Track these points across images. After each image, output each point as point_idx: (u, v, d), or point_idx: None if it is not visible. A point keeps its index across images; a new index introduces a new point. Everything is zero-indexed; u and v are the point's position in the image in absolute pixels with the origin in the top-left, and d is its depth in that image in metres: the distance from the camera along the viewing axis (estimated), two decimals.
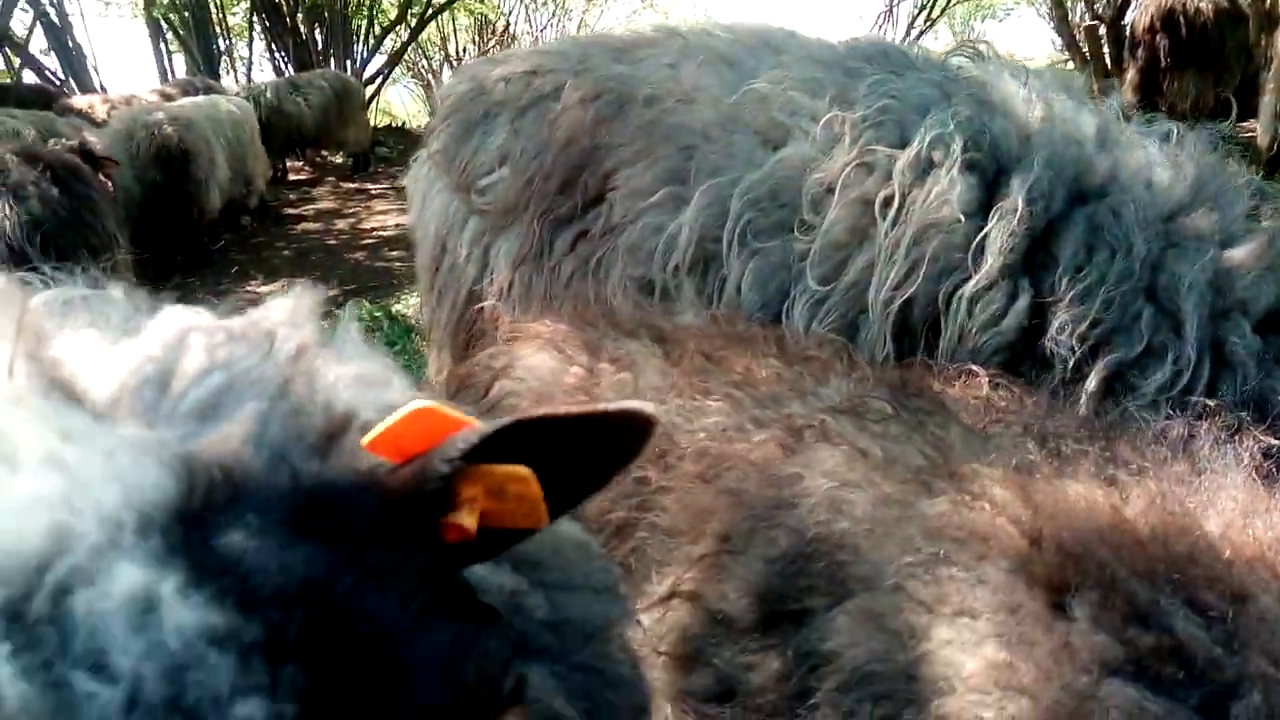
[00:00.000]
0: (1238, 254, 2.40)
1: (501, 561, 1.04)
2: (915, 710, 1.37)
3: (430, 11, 19.93)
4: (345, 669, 0.65)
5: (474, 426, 0.82)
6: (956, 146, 2.51)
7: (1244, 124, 10.01)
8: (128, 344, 0.95)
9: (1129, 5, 12.43)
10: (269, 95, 14.49)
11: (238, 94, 14.31)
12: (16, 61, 17.20)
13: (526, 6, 24.78)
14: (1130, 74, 11.14)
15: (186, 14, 18.98)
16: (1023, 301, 2.37)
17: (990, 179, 2.55)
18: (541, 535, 1.09)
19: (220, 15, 20.14)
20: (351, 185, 15.10)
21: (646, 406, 0.87)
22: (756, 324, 2.39)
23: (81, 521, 0.64)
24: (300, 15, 19.03)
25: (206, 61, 18.93)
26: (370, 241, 11.26)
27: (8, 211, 5.70)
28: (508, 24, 24.78)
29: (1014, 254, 2.40)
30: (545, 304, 3.23)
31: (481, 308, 3.63)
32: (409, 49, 21.46)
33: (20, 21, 17.50)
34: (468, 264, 3.78)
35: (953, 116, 2.55)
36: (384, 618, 0.68)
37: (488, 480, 0.81)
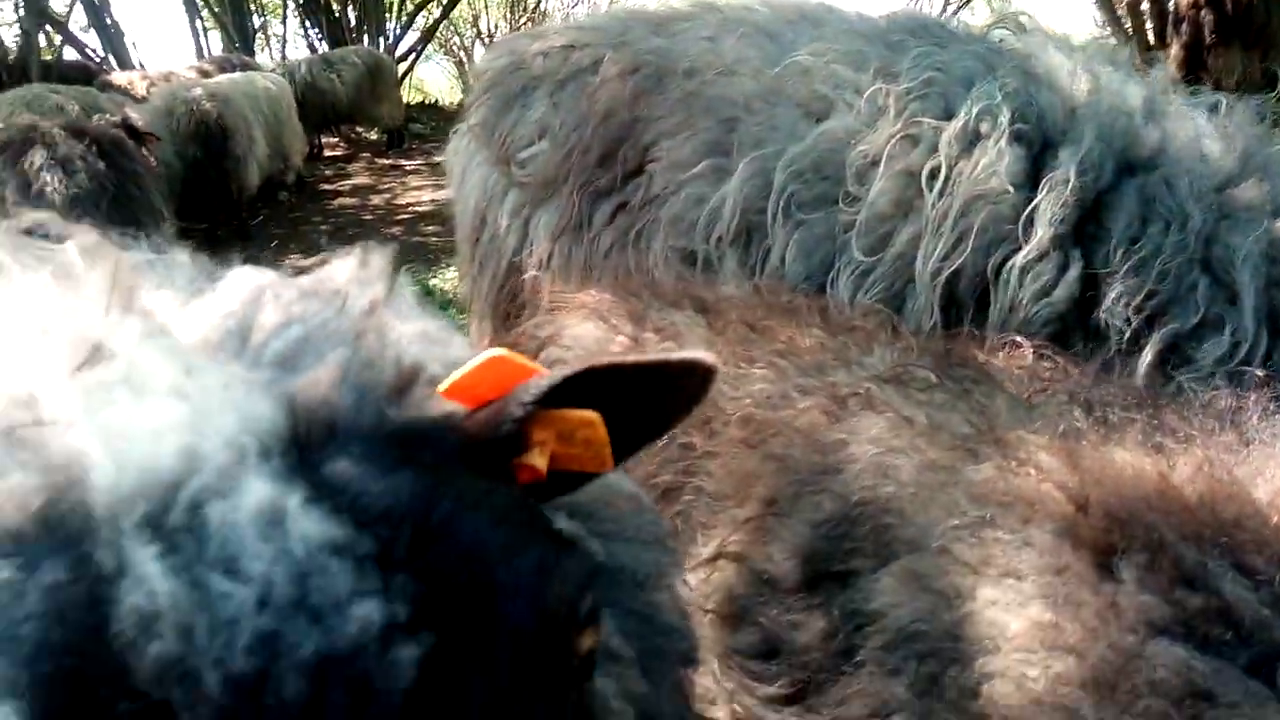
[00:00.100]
0: None
1: (559, 509, 1.09)
2: (960, 668, 1.40)
3: None
4: (447, 581, 0.71)
5: (545, 374, 0.87)
6: (1004, 118, 2.51)
7: None
8: (202, 302, 1.00)
9: None
10: (304, 72, 14.60)
11: (273, 70, 14.43)
12: (57, 39, 17.43)
13: None
14: (1174, 50, 10.89)
15: None
16: (1073, 272, 2.38)
17: (1037, 151, 2.55)
18: (595, 486, 1.14)
19: None
20: (386, 161, 15.20)
21: (708, 356, 0.92)
22: (800, 295, 2.41)
23: (208, 444, 0.70)
24: None
25: (242, 38, 19.07)
26: (406, 217, 11.35)
27: (56, 184, 5.82)
28: (539, 0, 24.72)
29: (1064, 225, 2.40)
30: (584, 275, 3.26)
31: (522, 279, 3.68)
32: (441, 25, 21.48)
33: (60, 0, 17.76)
34: (508, 236, 3.82)
35: (1000, 88, 2.55)
36: (477, 540, 0.74)
37: (558, 424, 0.87)
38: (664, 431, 0.98)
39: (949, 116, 2.61)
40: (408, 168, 14.58)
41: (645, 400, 0.92)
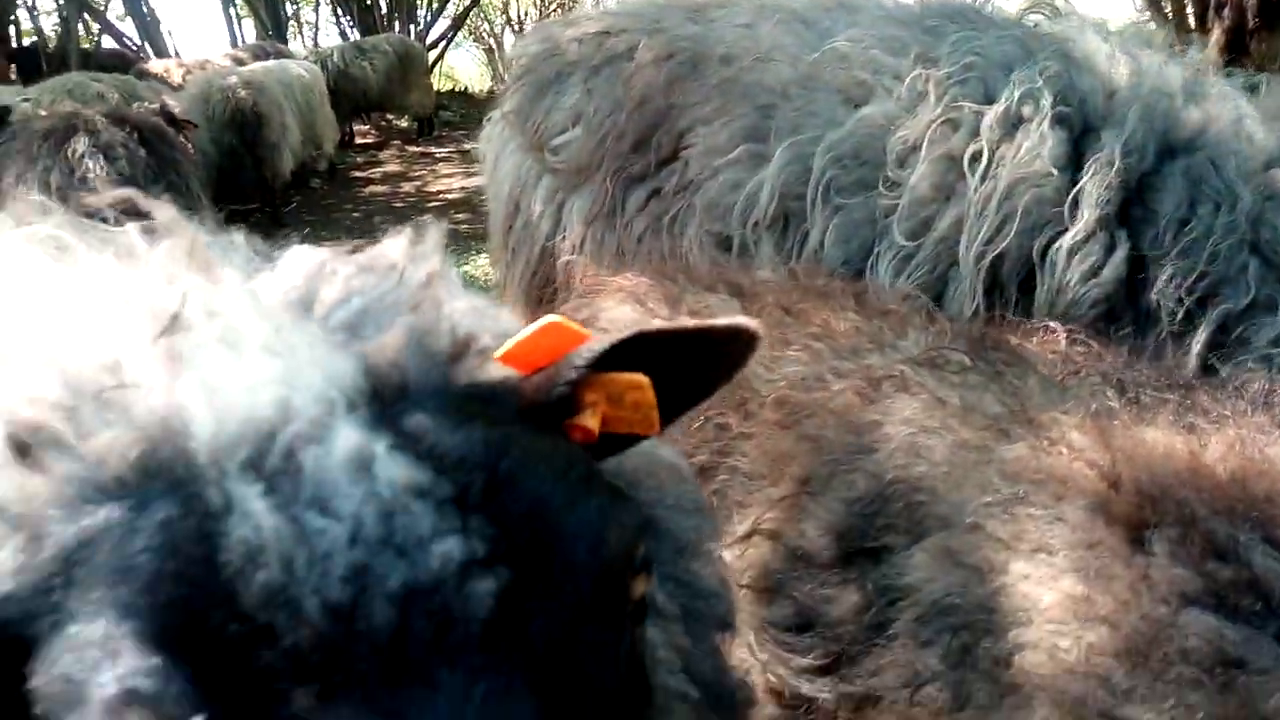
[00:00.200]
0: None
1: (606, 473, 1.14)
2: (993, 640, 1.44)
3: None
4: (517, 524, 0.77)
5: (597, 339, 0.92)
6: (1046, 101, 2.54)
7: None
8: (264, 277, 1.06)
9: None
10: (335, 59, 14.74)
11: (305, 58, 14.57)
12: (95, 27, 17.71)
13: None
14: (1215, 34, 10.69)
15: None
16: (1120, 253, 2.41)
17: (1078, 134, 2.57)
18: (639, 455, 1.19)
19: None
20: (416, 149, 15.32)
21: (751, 322, 0.96)
22: (835, 279, 2.44)
23: (299, 397, 0.77)
24: None
25: (275, 25, 19.27)
26: (436, 204, 11.45)
27: (99, 171, 5.94)
28: None
29: (1110, 206, 2.43)
30: (617, 260, 3.31)
31: (555, 264, 3.73)
32: (471, 13, 21.53)
33: None
34: (541, 221, 3.87)
35: (1041, 72, 2.58)
36: (543, 488, 0.80)
37: (609, 387, 0.93)
38: (708, 395, 1.03)
39: (989, 101, 2.63)
40: (438, 155, 14.70)
41: (691, 365, 0.98)
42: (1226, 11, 10.71)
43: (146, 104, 7.69)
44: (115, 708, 0.67)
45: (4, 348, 0.98)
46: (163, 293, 0.98)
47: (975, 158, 2.58)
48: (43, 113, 6.73)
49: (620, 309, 2.40)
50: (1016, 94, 2.57)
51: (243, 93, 10.45)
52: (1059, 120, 2.55)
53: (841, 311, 2.19)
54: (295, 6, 21.62)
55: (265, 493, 0.72)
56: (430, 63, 18.05)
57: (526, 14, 24.85)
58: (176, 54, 16.77)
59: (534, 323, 0.94)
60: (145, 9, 18.01)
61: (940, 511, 1.62)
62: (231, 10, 20.33)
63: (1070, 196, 2.47)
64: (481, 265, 7.95)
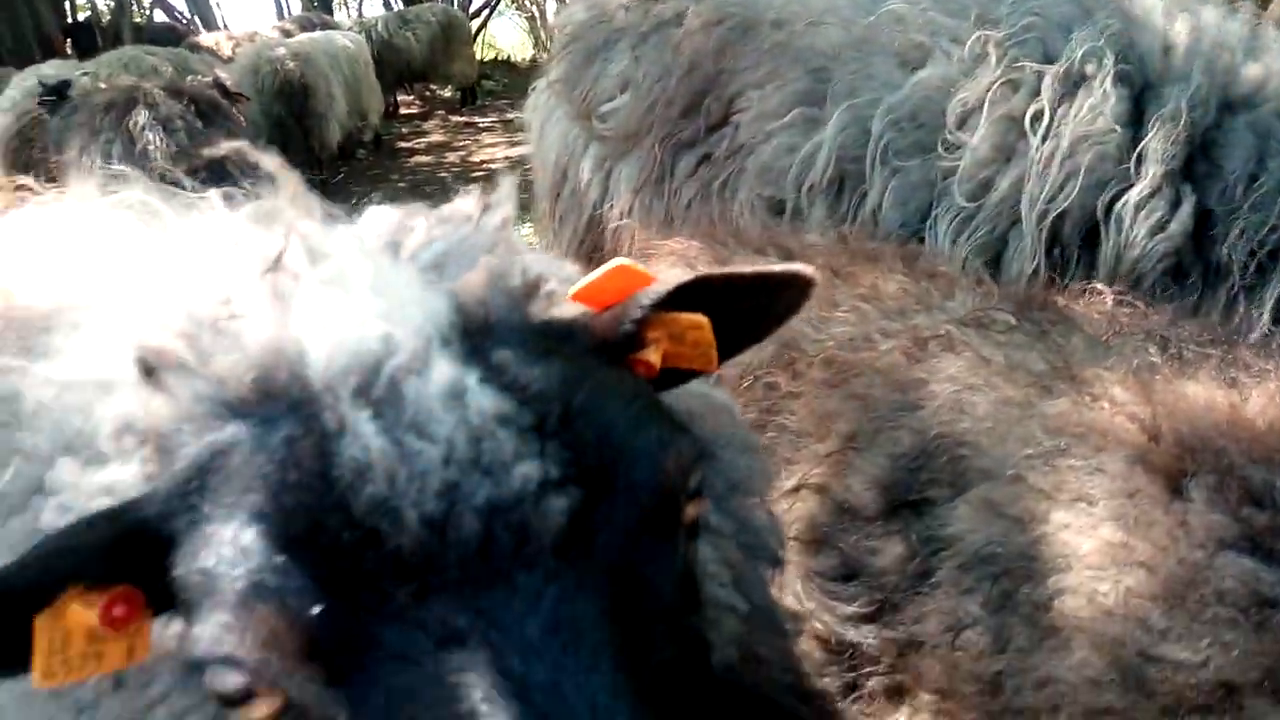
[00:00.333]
0: None
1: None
2: (1033, 586, 1.50)
3: None
4: (588, 450, 0.86)
5: (662, 281, 1.00)
6: (1109, 60, 2.56)
7: None
8: (347, 228, 1.15)
9: None
10: (380, 29, 14.82)
11: (350, 29, 14.68)
12: (147, 2, 17.99)
13: None
14: None
15: None
16: (1187, 207, 2.44)
17: (1138, 90, 2.59)
18: (695, 396, 1.27)
19: None
20: (460, 119, 15.41)
21: (808, 268, 1.04)
22: (883, 243, 2.48)
23: (401, 331, 0.87)
24: None
25: None
26: (481, 174, 11.55)
27: (159, 143, 6.11)
28: None
29: (1175, 161, 2.46)
30: (665, 226, 3.36)
31: (603, 231, 3.79)
32: None
33: None
34: (589, 189, 3.92)
35: (1102, 31, 2.59)
36: (611, 418, 0.89)
37: (671, 326, 1.02)
38: (764, 336, 1.12)
39: (1049, 61, 2.66)
40: (481, 125, 14.77)
41: (748, 308, 1.06)
42: None
43: (200, 77, 7.84)
44: (246, 599, 0.79)
45: (126, 289, 1.09)
46: (270, 235, 1.08)
47: (1037, 117, 2.62)
48: (102, 86, 6.91)
49: (671, 272, 2.46)
50: (1079, 53, 2.60)
51: (291, 64, 10.60)
52: (1120, 78, 2.58)
53: (890, 274, 2.24)
54: None
55: (373, 417, 0.82)
56: (473, 32, 18.08)
57: None
58: (225, 26, 17.02)
59: (604, 265, 1.03)
60: None
61: (983, 465, 1.68)
62: None
63: (1135, 153, 2.49)
64: (526, 234, 8.03)
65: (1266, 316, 2.25)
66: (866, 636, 1.77)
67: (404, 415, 0.83)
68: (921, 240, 2.73)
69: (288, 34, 13.47)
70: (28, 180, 2.24)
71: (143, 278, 1.16)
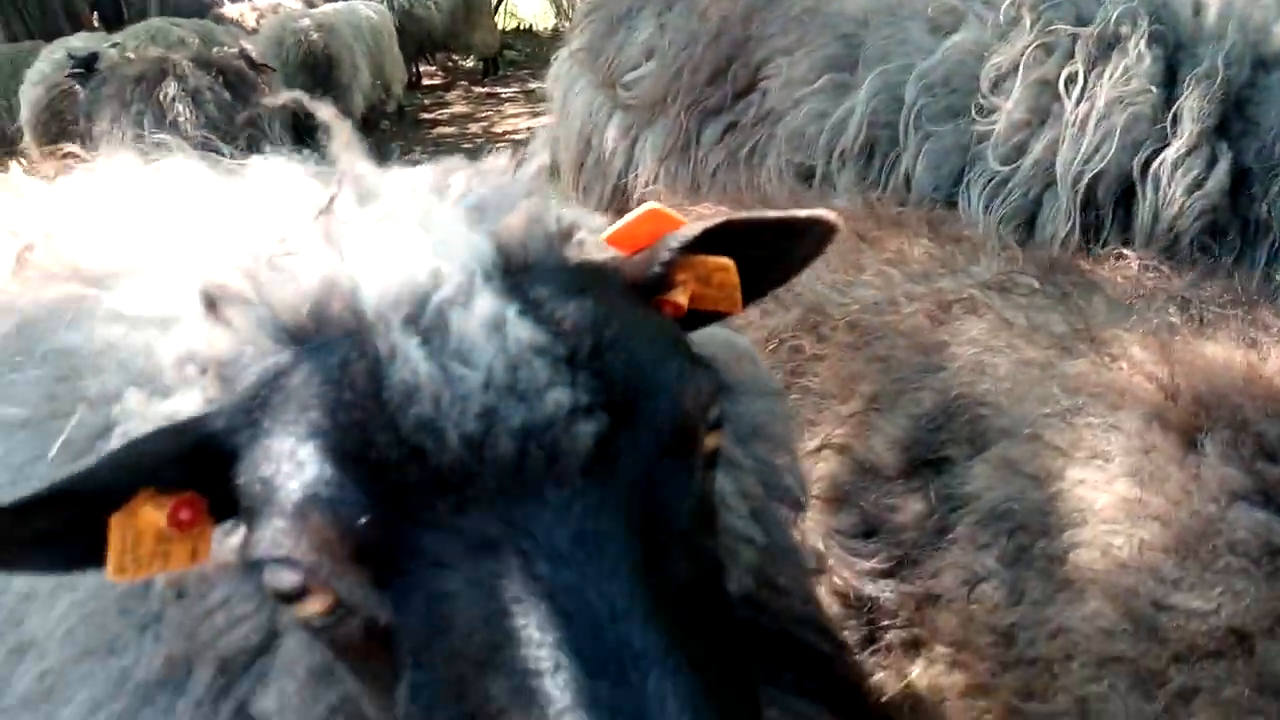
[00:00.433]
0: None
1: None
2: (1048, 540, 1.54)
3: None
4: (615, 380, 0.92)
5: (690, 224, 1.04)
6: (1143, 21, 2.56)
7: None
8: (391, 177, 1.21)
9: None
10: (400, 0, 14.77)
11: None
12: None
13: None
14: None
15: None
16: (1223, 165, 2.45)
17: (1172, 50, 2.59)
18: (718, 341, 1.32)
19: None
20: (482, 89, 15.37)
21: (831, 214, 1.08)
22: (913, 208, 2.51)
23: (448, 266, 0.93)
24: None
25: None
26: (504, 145, 11.53)
27: (188, 115, 6.18)
28: None
29: (1210, 119, 2.47)
30: (692, 194, 3.38)
31: (629, 200, 3.81)
32: None
33: None
34: (614, 158, 3.94)
35: None
36: (638, 352, 0.95)
37: (698, 268, 1.07)
38: (787, 279, 1.18)
39: (1082, 23, 2.65)
40: (504, 95, 14.73)
41: (773, 252, 1.11)
42: None
43: (226, 48, 7.89)
44: (301, 506, 0.87)
45: (186, 237, 1.16)
46: (324, 179, 1.13)
47: (1071, 80, 2.62)
48: (130, 58, 6.97)
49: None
50: (1113, 14, 2.60)
51: (315, 35, 10.63)
52: (1154, 38, 2.58)
53: (915, 239, 2.26)
54: None
55: (421, 344, 0.89)
56: (494, 1, 17.99)
57: None
58: None
59: (637, 209, 1.07)
60: None
61: (1001, 424, 1.72)
62: None
63: (1170, 113, 2.50)
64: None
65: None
66: (885, 591, 1.83)
67: (449, 343, 0.89)
68: (954, 205, 2.74)
69: (311, 4, 13.46)
70: (74, 148, 2.31)
71: (201, 226, 1.23)
